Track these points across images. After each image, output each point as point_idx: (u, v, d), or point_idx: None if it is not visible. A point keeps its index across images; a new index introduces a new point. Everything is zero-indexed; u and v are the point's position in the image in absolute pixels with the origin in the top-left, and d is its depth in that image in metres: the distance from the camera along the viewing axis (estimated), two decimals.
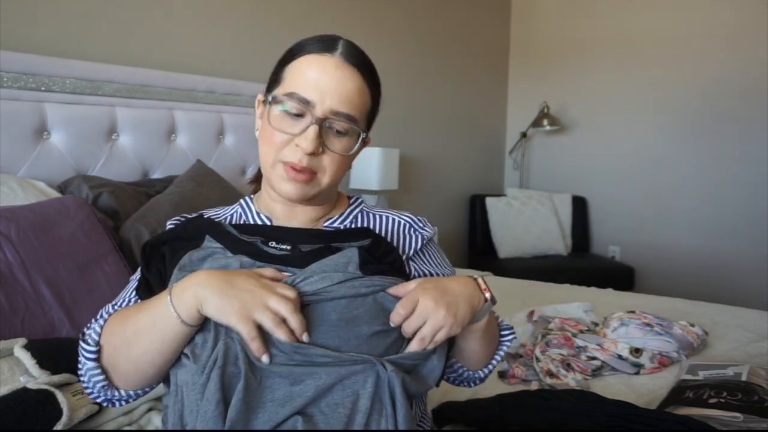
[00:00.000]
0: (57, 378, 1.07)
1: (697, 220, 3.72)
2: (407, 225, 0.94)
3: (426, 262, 0.94)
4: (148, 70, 2.09)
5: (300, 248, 0.82)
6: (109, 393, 0.79)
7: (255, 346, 0.69)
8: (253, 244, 0.82)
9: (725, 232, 3.63)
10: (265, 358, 0.69)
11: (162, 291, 0.76)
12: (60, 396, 1.02)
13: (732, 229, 3.60)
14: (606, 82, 4.02)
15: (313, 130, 0.80)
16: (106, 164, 1.94)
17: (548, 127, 4.04)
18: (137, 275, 0.89)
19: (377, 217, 0.95)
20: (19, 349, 1.10)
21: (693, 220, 3.74)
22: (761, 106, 3.45)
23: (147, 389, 0.81)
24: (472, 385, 0.97)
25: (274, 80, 0.86)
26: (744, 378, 1.35)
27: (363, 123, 0.86)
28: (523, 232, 3.75)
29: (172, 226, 0.91)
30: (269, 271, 0.76)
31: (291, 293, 0.72)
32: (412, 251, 0.92)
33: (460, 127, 4.06)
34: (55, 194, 1.67)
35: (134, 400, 0.83)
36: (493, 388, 1.37)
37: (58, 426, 0.99)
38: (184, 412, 0.71)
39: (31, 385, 1.02)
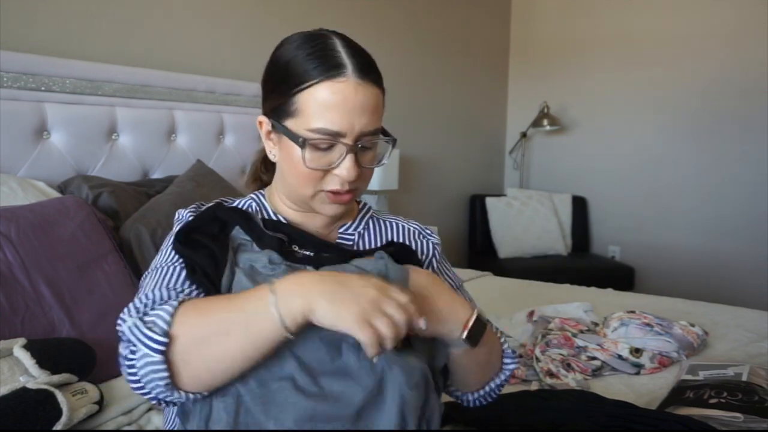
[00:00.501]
0: (57, 378, 1.06)
1: (697, 220, 3.72)
2: (416, 232, 0.98)
3: (444, 276, 0.96)
4: (148, 70, 2.09)
5: (322, 254, 0.83)
6: (168, 392, 0.67)
7: (373, 351, 0.64)
8: (281, 241, 0.82)
9: (725, 232, 3.63)
10: (377, 359, 0.66)
11: (215, 276, 0.75)
12: (60, 396, 1.02)
13: (732, 229, 3.60)
14: (606, 82, 4.02)
15: (350, 159, 0.79)
16: (106, 164, 1.94)
17: (548, 127, 4.04)
18: (166, 262, 0.81)
19: (387, 223, 0.97)
20: (18, 349, 1.10)
21: (693, 220, 3.74)
22: (761, 106, 3.45)
23: (205, 393, 0.70)
24: (464, 404, 0.94)
25: (285, 110, 0.80)
26: (744, 378, 1.35)
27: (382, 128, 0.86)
28: (523, 232, 3.75)
29: (191, 214, 0.88)
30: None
31: (404, 298, 0.68)
32: (423, 257, 0.95)
33: (460, 127, 4.06)
34: (55, 194, 1.67)
35: (188, 401, 0.71)
36: None
37: (58, 426, 0.99)
38: (210, 420, 0.70)
39: (31, 385, 1.02)
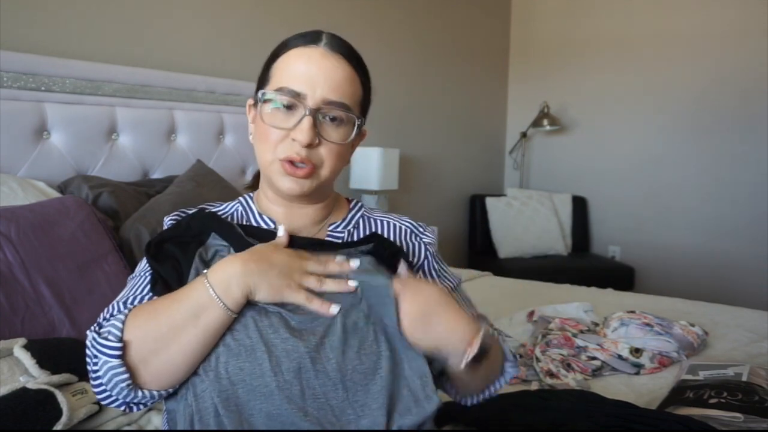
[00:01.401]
0: (57, 378, 1.06)
1: (697, 220, 3.72)
2: (408, 231, 0.94)
3: (431, 276, 0.93)
4: (148, 70, 2.09)
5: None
6: (131, 394, 0.73)
7: (316, 305, 0.74)
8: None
9: (725, 232, 3.63)
10: (334, 308, 0.74)
11: (177, 287, 0.76)
12: (60, 396, 1.02)
13: (732, 229, 3.60)
14: (606, 82, 4.02)
15: (307, 121, 0.79)
16: (106, 164, 1.94)
17: (548, 127, 4.04)
18: (140, 273, 0.86)
19: (378, 222, 0.95)
20: (18, 349, 1.10)
21: (693, 220, 3.74)
22: (761, 106, 3.45)
23: (170, 390, 0.76)
24: (461, 403, 0.92)
25: (262, 80, 0.86)
26: (744, 378, 1.35)
27: (355, 109, 0.85)
28: (523, 232, 3.75)
29: (172, 221, 0.89)
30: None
31: (314, 257, 0.78)
32: (415, 259, 0.92)
33: (460, 127, 4.06)
34: (55, 194, 1.67)
35: (154, 402, 0.77)
36: None
37: (58, 426, 0.99)
38: (195, 418, 0.72)
39: (31, 385, 1.02)
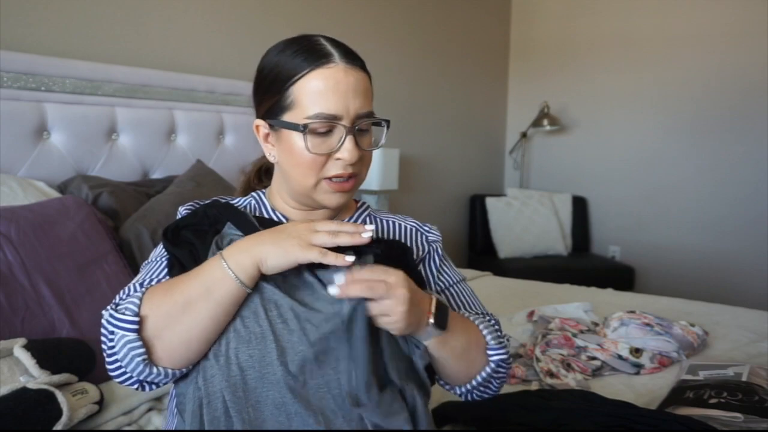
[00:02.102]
0: (57, 378, 1.07)
1: (698, 220, 3.72)
2: (413, 230, 0.97)
3: (430, 270, 0.95)
4: (148, 70, 2.09)
5: None
6: (147, 370, 0.74)
7: (331, 258, 0.73)
8: None
9: (725, 232, 3.63)
10: (349, 258, 0.73)
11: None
12: (60, 396, 1.02)
13: (732, 229, 3.60)
14: (606, 82, 4.02)
15: (350, 141, 0.82)
16: (106, 164, 1.94)
17: (548, 127, 4.04)
18: (155, 258, 0.87)
19: (384, 222, 0.97)
20: (19, 349, 1.10)
21: (693, 220, 3.74)
22: (761, 107, 3.45)
23: (184, 369, 0.77)
24: (458, 396, 0.94)
25: (279, 107, 0.84)
26: (744, 378, 1.35)
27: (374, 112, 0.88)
28: (523, 232, 3.75)
29: (187, 211, 0.91)
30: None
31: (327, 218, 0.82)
32: (422, 254, 0.94)
33: (460, 127, 4.06)
34: (55, 194, 1.67)
35: (166, 383, 0.78)
36: None
37: (58, 426, 0.99)
38: (203, 402, 0.73)
39: (31, 385, 1.02)
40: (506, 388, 1.40)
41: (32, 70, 1.75)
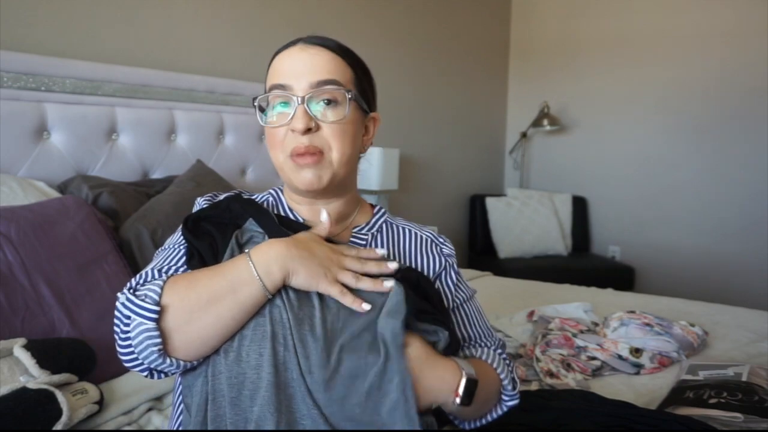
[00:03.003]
0: (57, 378, 1.07)
1: (698, 220, 3.72)
2: (429, 240, 0.97)
3: (447, 286, 0.95)
4: (148, 70, 2.09)
5: None
6: (159, 360, 0.73)
7: (349, 300, 0.74)
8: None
9: (726, 233, 3.63)
10: (366, 306, 0.74)
11: (213, 264, 0.78)
12: (60, 396, 1.02)
13: (732, 229, 3.60)
14: (606, 82, 4.02)
15: (299, 109, 0.82)
16: (106, 164, 1.94)
17: (548, 127, 4.04)
18: (172, 245, 0.87)
19: (401, 229, 0.97)
20: (18, 349, 1.10)
21: (693, 220, 3.74)
22: (762, 107, 3.45)
23: (194, 363, 0.76)
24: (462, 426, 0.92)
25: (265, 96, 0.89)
26: (744, 378, 1.35)
27: (348, 84, 0.86)
28: (523, 232, 3.75)
29: (206, 202, 0.92)
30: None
31: (354, 252, 0.80)
32: (435, 272, 0.94)
33: (460, 127, 4.06)
34: (55, 194, 1.67)
35: (175, 372, 0.77)
36: None
37: (58, 426, 0.99)
38: (209, 398, 0.72)
39: (31, 385, 1.02)
40: None
41: (32, 70, 1.75)
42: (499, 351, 0.93)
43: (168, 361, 0.73)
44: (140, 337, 0.71)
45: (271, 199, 0.96)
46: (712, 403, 1.21)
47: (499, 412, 0.89)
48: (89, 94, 1.90)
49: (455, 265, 0.97)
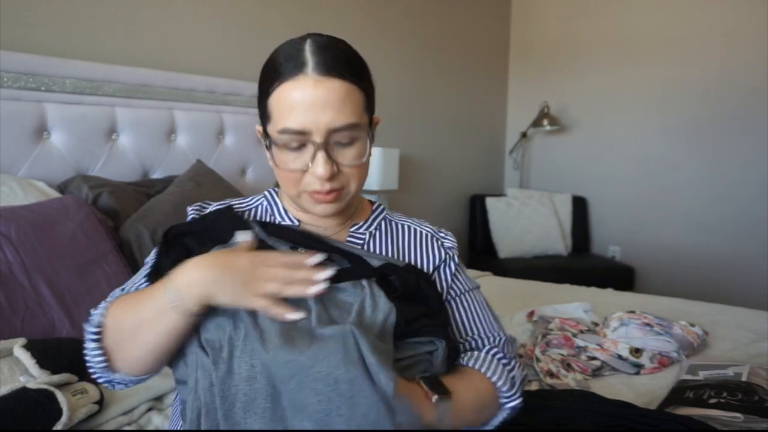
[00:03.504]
0: (57, 378, 1.07)
1: (698, 220, 3.72)
2: (429, 235, 0.95)
3: (444, 277, 0.93)
4: (148, 70, 2.09)
5: (332, 258, 0.81)
6: (108, 375, 0.78)
7: (277, 311, 0.71)
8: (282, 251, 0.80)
9: (726, 232, 3.63)
10: (295, 315, 0.71)
11: None
12: (60, 396, 1.02)
13: (732, 229, 3.60)
14: (606, 82, 4.02)
15: (321, 156, 0.78)
16: (106, 164, 1.94)
17: (548, 127, 4.04)
18: (149, 259, 0.87)
19: (400, 226, 0.96)
20: (18, 349, 1.10)
21: (693, 220, 3.74)
22: (762, 107, 3.45)
23: (145, 377, 0.80)
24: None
25: (263, 113, 0.83)
26: (744, 378, 1.35)
27: (364, 120, 0.81)
28: (523, 232, 3.75)
29: (194, 213, 0.90)
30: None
31: (279, 261, 0.75)
32: (434, 266, 0.92)
33: (460, 127, 4.07)
34: (55, 194, 1.67)
35: (132, 385, 0.81)
36: None
37: (58, 426, 0.99)
38: (203, 411, 0.70)
39: (31, 385, 1.02)
40: None
41: (32, 70, 1.75)
42: (494, 350, 0.88)
43: (117, 375, 0.78)
44: (90, 354, 0.77)
45: (265, 202, 0.94)
46: (712, 403, 1.21)
47: (500, 417, 0.84)
48: (89, 94, 1.90)
49: (456, 257, 0.94)
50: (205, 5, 2.37)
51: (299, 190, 0.82)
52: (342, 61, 0.79)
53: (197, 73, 2.29)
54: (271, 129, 0.81)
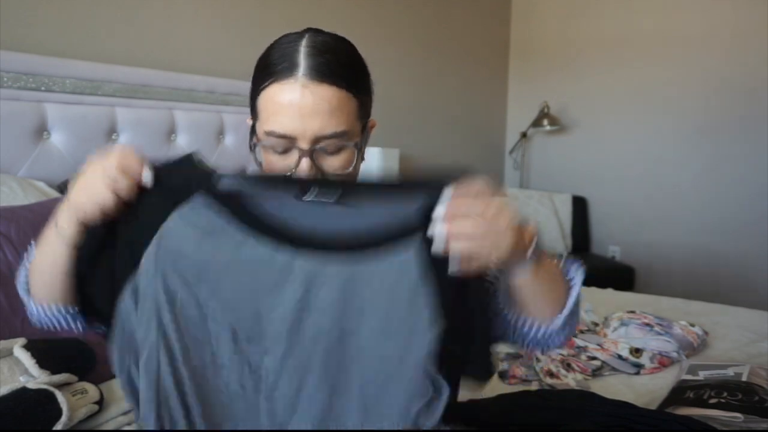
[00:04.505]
0: (57, 378, 1.07)
1: (698, 220, 3.72)
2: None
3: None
4: (148, 70, 2.09)
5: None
6: (26, 297, 0.86)
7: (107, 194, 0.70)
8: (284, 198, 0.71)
9: (726, 232, 3.62)
10: (146, 174, 0.73)
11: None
12: (60, 396, 1.02)
13: (732, 229, 3.60)
14: (606, 83, 4.01)
15: (305, 163, 0.76)
16: None
17: (548, 127, 4.04)
18: None
19: None
20: (18, 349, 1.10)
21: (693, 220, 3.73)
22: (762, 107, 3.45)
23: (53, 306, 0.82)
24: (551, 346, 0.84)
25: (252, 108, 0.82)
26: (744, 378, 1.35)
27: (355, 128, 0.79)
28: None
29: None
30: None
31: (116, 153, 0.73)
32: None
33: (460, 127, 4.06)
34: (55, 194, 1.67)
35: (45, 325, 0.86)
36: (493, 388, 1.37)
37: (58, 426, 0.99)
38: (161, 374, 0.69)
39: (31, 385, 1.02)
40: (506, 388, 1.40)
41: (32, 70, 1.75)
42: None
43: (32, 304, 0.84)
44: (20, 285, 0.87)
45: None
46: (712, 403, 1.21)
47: (574, 295, 0.81)
48: (89, 94, 1.90)
49: None
50: (205, 5, 2.37)
51: None
52: (337, 66, 0.76)
53: (197, 73, 2.29)
54: (259, 128, 0.80)
